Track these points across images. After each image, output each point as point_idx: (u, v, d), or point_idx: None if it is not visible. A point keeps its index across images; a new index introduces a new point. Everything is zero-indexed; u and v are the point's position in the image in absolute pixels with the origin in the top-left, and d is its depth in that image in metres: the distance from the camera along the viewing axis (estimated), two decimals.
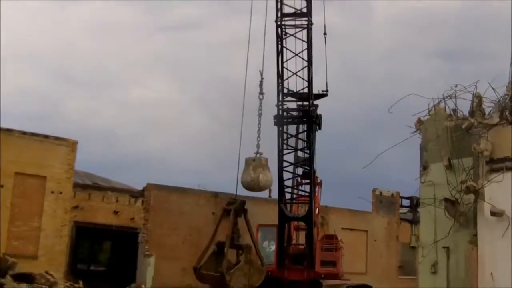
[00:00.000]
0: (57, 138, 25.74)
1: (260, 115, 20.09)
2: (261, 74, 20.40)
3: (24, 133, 25.07)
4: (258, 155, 19.53)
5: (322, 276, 23.88)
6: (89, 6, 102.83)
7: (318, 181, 27.93)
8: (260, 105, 20.22)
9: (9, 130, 24.64)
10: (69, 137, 26.00)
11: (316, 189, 27.98)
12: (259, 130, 19.86)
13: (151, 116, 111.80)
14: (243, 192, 20.27)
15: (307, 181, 27.14)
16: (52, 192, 25.28)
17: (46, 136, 25.52)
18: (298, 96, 23.01)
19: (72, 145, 26.01)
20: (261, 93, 20.41)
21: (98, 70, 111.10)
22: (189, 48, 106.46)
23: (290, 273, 23.96)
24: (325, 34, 27.29)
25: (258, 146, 19.69)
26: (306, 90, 23.02)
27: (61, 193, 25.44)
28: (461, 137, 19.32)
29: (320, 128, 24.64)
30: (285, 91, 22.61)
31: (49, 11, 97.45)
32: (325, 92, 27.64)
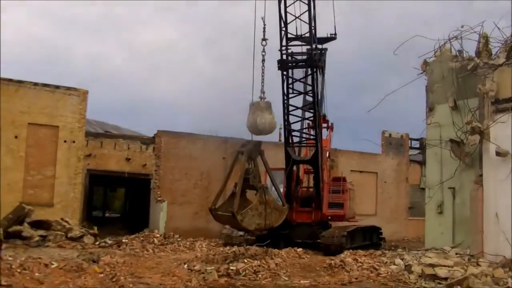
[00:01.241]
0: (68, 88, 26.06)
1: (263, 60, 20.10)
2: (263, 21, 20.35)
3: (36, 84, 25.41)
4: (260, 99, 19.68)
5: (329, 217, 24.21)
6: None
7: (330, 124, 28.10)
8: (263, 51, 20.21)
9: (20, 82, 24.98)
10: (78, 83, 26.40)
11: (327, 132, 28.20)
12: (262, 74, 19.91)
13: (159, 61, 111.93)
14: (255, 136, 20.56)
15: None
16: (65, 141, 25.75)
17: (57, 87, 25.83)
18: (301, 40, 22.92)
19: (82, 94, 26.32)
20: (264, 39, 20.39)
21: (104, 15, 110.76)
22: None
23: (298, 215, 24.32)
24: None
25: (262, 90, 19.78)
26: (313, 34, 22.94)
27: (73, 142, 25.89)
28: (467, 78, 19.40)
29: (322, 72, 24.56)
30: (288, 35, 22.55)
31: None
32: (333, 35, 27.58)
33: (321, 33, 26.09)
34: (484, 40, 19.58)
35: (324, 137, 27.75)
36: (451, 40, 20.28)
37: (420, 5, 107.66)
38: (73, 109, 25.94)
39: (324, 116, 27.33)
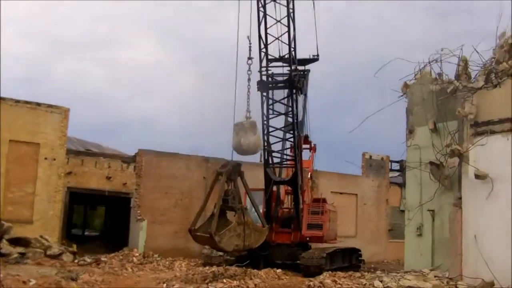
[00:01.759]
0: (49, 106, 26.03)
1: (249, 79, 20.25)
2: (249, 40, 20.52)
3: (18, 101, 25.35)
4: (246, 119, 19.75)
5: (307, 238, 24.25)
6: None
7: (312, 145, 28.24)
8: (249, 69, 20.37)
9: (2, 99, 24.88)
10: (59, 100, 26.43)
11: (310, 153, 28.32)
12: (248, 93, 20.04)
13: (140, 79, 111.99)
14: (238, 157, 20.62)
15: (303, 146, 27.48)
16: (46, 158, 25.66)
17: (38, 104, 25.80)
18: (281, 61, 23.09)
19: (64, 112, 26.31)
20: (249, 57, 20.56)
21: (85, 33, 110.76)
22: (174, 9, 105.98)
23: (277, 236, 24.36)
24: None
25: (247, 109, 19.88)
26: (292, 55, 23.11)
27: (54, 159, 25.81)
28: (447, 101, 19.60)
29: (302, 93, 24.69)
30: (269, 56, 22.71)
31: None
32: (316, 57, 27.82)
33: (303, 54, 26.39)
34: (464, 63, 19.80)
35: (306, 158, 27.92)
36: (431, 63, 20.51)
37: (402, 29, 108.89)
38: (54, 126, 25.88)
39: (307, 137, 27.51)
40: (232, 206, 18.04)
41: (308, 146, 28.08)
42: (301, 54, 24.41)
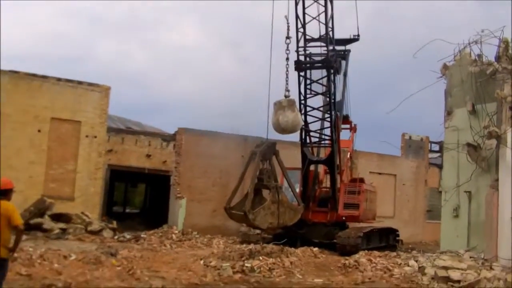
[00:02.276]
0: (90, 84, 26.50)
1: (287, 59, 20.25)
2: (287, 19, 20.51)
3: (59, 79, 25.87)
4: (285, 98, 19.81)
5: (343, 218, 24.28)
6: None
7: (353, 125, 28.16)
8: (287, 49, 20.37)
9: (44, 77, 25.46)
10: (101, 80, 26.75)
11: (350, 133, 28.27)
12: (287, 72, 20.07)
13: (182, 60, 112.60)
14: (275, 135, 20.76)
15: (343, 126, 27.45)
16: (87, 136, 26.20)
17: (80, 82, 26.28)
18: (319, 41, 22.99)
19: (105, 90, 26.76)
20: (287, 37, 20.54)
21: (129, 14, 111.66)
22: None
23: (314, 215, 24.46)
24: None
25: (286, 88, 19.92)
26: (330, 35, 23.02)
27: (95, 137, 26.33)
28: (486, 83, 19.37)
29: (339, 73, 24.51)
30: (306, 37, 22.67)
31: None
32: (356, 37, 27.68)
33: (344, 34, 26.29)
34: (504, 45, 19.53)
35: (346, 138, 27.89)
36: (471, 45, 20.25)
37: (444, 9, 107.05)
38: (95, 104, 26.38)
39: (347, 117, 27.42)
40: (267, 185, 18.21)
41: (348, 126, 28.02)
42: (342, 34, 24.34)
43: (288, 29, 20.64)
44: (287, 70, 20.10)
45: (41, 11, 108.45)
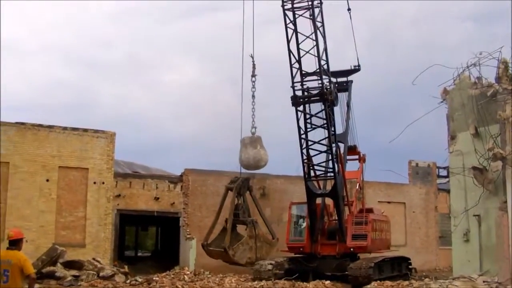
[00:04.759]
0: (96, 131, 26.80)
1: (253, 96, 20.33)
2: (252, 58, 20.62)
3: (65, 128, 26.21)
4: (252, 135, 19.95)
5: (351, 249, 24.23)
6: None
7: (361, 155, 28.25)
8: (253, 87, 20.46)
9: (50, 126, 25.82)
10: (103, 124, 27.01)
11: (359, 163, 28.34)
12: (253, 109, 20.18)
13: (183, 99, 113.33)
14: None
15: (350, 156, 27.53)
16: (95, 182, 26.42)
17: (85, 130, 26.60)
18: (314, 75, 23.12)
19: (110, 136, 27.04)
20: (253, 75, 20.66)
21: (126, 57, 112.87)
22: (213, 30, 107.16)
23: (323, 248, 24.46)
24: (349, 9, 27.57)
25: (253, 126, 20.04)
26: (325, 68, 23.19)
27: (103, 183, 26.55)
28: (487, 105, 19.45)
29: (335, 105, 24.50)
30: (299, 71, 22.85)
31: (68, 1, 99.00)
32: (357, 67, 27.97)
33: (346, 64, 26.57)
34: (504, 65, 19.65)
35: (355, 168, 27.97)
36: (470, 67, 20.37)
37: (441, 31, 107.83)
38: (101, 151, 26.65)
39: (355, 147, 27.55)
40: (243, 220, 18.36)
41: (356, 156, 28.12)
42: (344, 64, 24.54)
43: (253, 68, 20.71)
44: (253, 108, 20.17)
45: (39, 61, 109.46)
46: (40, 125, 25.70)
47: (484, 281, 17.65)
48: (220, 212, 19.20)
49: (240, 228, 18.68)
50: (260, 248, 18.47)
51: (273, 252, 19.66)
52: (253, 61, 20.44)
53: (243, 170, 23.94)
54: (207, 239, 18.61)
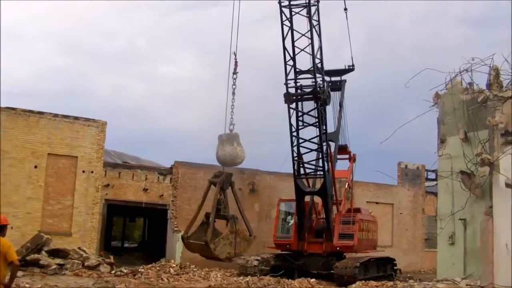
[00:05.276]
0: (87, 119, 26.73)
1: (233, 93, 20.28)
2: (235, 55, 20.56)
3: (56, 115, 26.11)
4: (230, 131, 19.94)
5: (338, 248, 24.35)
6: None
7: (352, 155, 28.35)
8: (234, 84, 20.42)
9: (40, 113, 25.70)
10: (98, 114, 27.00)
11: (349, 163, 28.43)
12: (232, 106, 20.12)
13: (179, 93, 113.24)
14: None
15: (341, 156, 27.60)
16: (84, 171, 26.37)
17: (76, 118, 26.52)
18: (308, 73, 23.14)
19: (101, 125, 27.00)
20: (234, 72, 20.63)
21: (125, 47, 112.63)
22: (210, 25, 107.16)
23: (310, 246, 24.56)
24: (345, 9, 27.63)
25: (231, 122, 20.01)
26: (319, 66, 23.22)
27: (92, 172, 26.50)
28: (477, 110, 19.52)
29: (327, 104, 24.51)
30: (293, 69, 22.88)
31: None
32: (351, 67, 28.04)
33: (341, 63, 26.62)
34: (495, 72, 19.71)
35: (345, 168, 28.05)
36: (462, 73, 20.44)
37: (436, 34, 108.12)
38: (91, 140, 26.59)
39: (346, 146, 27.66)
40: (225, 215, 18.43)
41: (347, 156, 28.20)
42: (340, 63, 24.56)
43: (235, 65, 20.66)
44: (232, 105, 20.15)
45: (39, 47, 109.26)
46: (31, 111, 25.60)
47: (467, 284, 17.72)
48: (202, 205, 19.21)
49: (217, 224, 18.75)
50: (239, 244, 18.52)
51: (250, 249, 19.72)
52: (235, 59, 20.34)
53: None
54: (187, 232, 18.64)
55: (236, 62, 20.43)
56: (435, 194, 38.97)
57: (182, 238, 18.68)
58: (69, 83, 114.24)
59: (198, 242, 18.00)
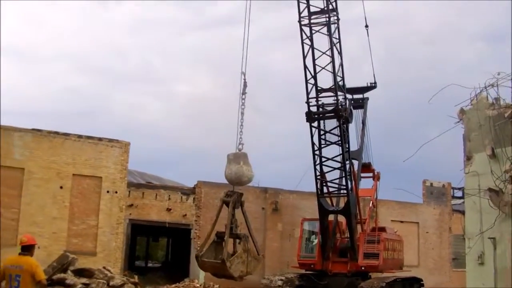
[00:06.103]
0: (110, 140, 26.90)
1: (242, 113, 20.16)
2: (244, 76, 20.45)
3: (80, 136, 26.33)
4: (238, 151, 19.82)
5: (363, 268, 24.03)
6: (127, 5, 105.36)
7: (376, 173, 28.07)
8: (243, 104, 20.31)
9: (66, 134, 25.98)
10: (115, 133, 27.16)
11: (373, 181, 28.16)
12: (241, 126, 20.00)
13: (196, 112, 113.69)
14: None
15: (365, 174, 27.36)
16: (108, 191, 26.48)
17: (100, 139, 26.70)
18: (329, 91, 22.99)
19: (125, 146, 27.14)
20: (243, 93, 20.51)
21: (142, 67, 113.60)
22: (226, 44, 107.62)
23: (334, 265, 24.28)
24: (366, 26, 27.56)
25: (240, 142, 19.88)
26: (340, 84, 23.09)
27: (116, 192, 26.60)
28: (504, 126, 19.22)
29: (350, 122, 24.35)
30: (315, 87, 22.77)
31: (90, 10, 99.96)
32: (373, 84, 27.89)
33: (362, 81, 26.51)
34: None
35: (369, 186, 27.78)
36: (487, 88, 20.18)
37: (452, 52, 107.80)
38: (115, 160, 26.74)
39: (369, 164, 27.39)
40: (237, 234, 18.33)
41: (370, 174, 27.94)
42: (360, 81, 24.47)
43: (245, 85, 20.59)
44: (241, 125, 20.05)
45: (54, 68, 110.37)
46: (56, 133, 25.84)
47: None
48: (215, 224, 19.12)
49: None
50: (250, 262, 18.41)
51: (259, 268, 19.59)
52: (244, 79, 20.26)
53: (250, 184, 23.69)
54: (201, 251, 18.54)
55: (245, 82, 20.38)
56: (462, 212, 38.45)
57: (196, 257, 18.56)
58: (85, 103, 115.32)
59: (213, 260, 17.89)
